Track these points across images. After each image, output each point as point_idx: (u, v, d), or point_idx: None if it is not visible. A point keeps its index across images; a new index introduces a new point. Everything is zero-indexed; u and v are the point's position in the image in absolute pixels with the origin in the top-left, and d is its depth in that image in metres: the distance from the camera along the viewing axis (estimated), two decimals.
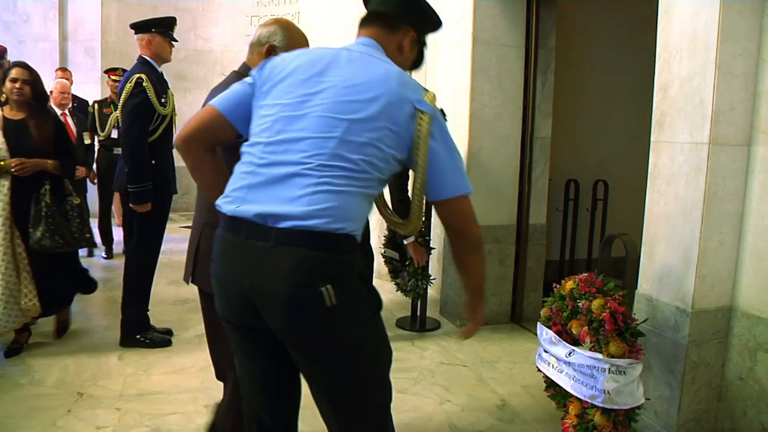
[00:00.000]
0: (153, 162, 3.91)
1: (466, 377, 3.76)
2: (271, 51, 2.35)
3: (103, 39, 8.91)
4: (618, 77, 5.88)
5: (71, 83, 6.47)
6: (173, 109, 4.10)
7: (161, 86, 4.03)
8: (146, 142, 3.90)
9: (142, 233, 4.03)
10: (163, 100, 3.97)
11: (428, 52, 6.17)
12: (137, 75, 3.87)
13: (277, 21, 2.45)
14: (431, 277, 4.53)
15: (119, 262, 6.35)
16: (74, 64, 8.57)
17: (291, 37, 2.39)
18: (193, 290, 5.10)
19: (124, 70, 6.60)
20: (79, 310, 4.67)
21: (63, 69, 6.65)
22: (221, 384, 3.48)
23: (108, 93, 6.65)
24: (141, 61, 4.02)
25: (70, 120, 5.63)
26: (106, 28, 8.97)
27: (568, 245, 6.21)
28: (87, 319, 4.52)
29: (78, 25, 8.91)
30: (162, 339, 4.12)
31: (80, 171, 5.47)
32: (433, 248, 4.54)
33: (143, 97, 3.84)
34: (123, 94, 3.86)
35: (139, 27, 4.05)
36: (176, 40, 4.15)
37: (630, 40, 5.59)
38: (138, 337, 4.05)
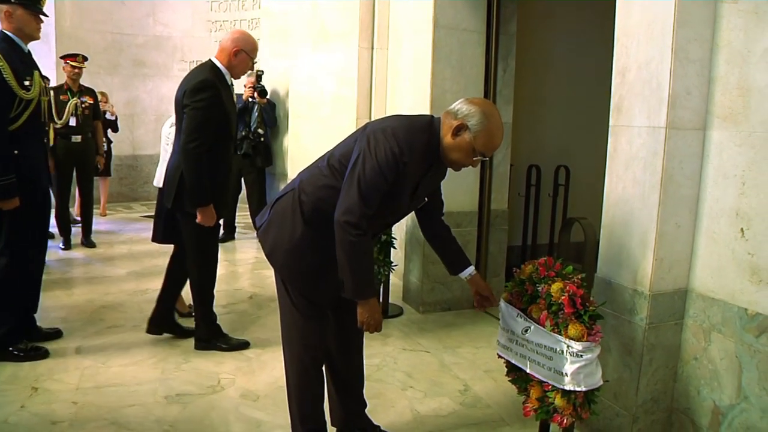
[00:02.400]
0: (16, 153, 3.46)
1: (428, 363, 3.77)
2: (461, 129, 2.31)
3: (57, 24, 8.62)
4: (579, 63, 5.93)
5: None
6: (41, 94, 3.62)
7: (25, 67, 3.53)
8: (5, 130, 3.42)
9: (10, 233, 3.56)
10: (26, 83, 3.49)
11: (390, 37, 6.08)
12: None
13: (484, 105, 2.35)
14: (393, 264, 4.52)
15: (78, 254, 6.24)
16: None
17: (487, 127, 2.30)
18: (154, 283, 5.00)
19: (84, 57, 6.45)
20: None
21: None
22: (179, 374, 3.47)
23: (64, 79, 6.50)
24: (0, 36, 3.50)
25: None
26: (60, 13, 8.66)
27: (530, 230, 6.26)
28: (44, 311, 4.41)
29: None
30: (35, 350, 3.66)
31: None
32: (395, 238, 4.53)
33: None
34: None
35: None
36: (45, 15, 3.66)
37: (591, 26, 5.63)
38: (10, 349, 3.58)
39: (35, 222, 3.68)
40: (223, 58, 3.68)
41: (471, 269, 2.70)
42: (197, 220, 3.63)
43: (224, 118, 3.64)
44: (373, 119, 6.06)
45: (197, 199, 3.59)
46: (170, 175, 3.74)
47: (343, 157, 2.37)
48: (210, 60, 3.72)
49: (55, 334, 3.95)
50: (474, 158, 2.36)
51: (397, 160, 2.25)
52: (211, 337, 3.89)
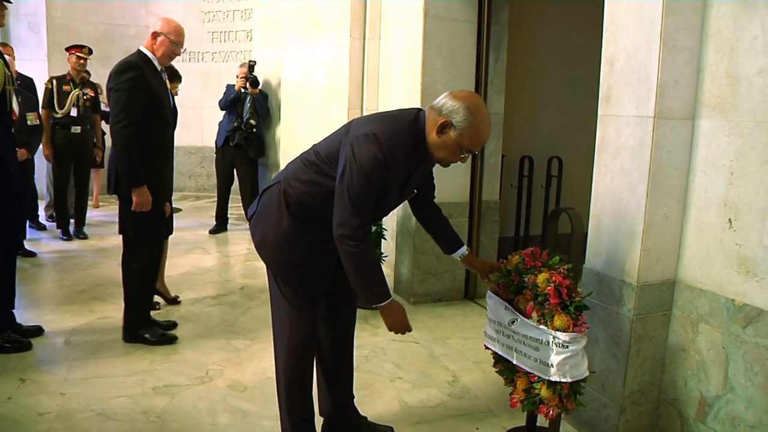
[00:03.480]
0: None
1: (417, 354, 3.76)
2: (445, 126, 2.26)
3: (48, 14, 8.58)
4: (571, 53, 5.89)
5: (13, 59, 6.26)
6: (5, 83, 3.51)
7: None
8: None
9: None
10: None
11: (381, 27, 6.04)
12: None
13: (468, 99, 2.28)
14: (384, 255, 4.51)
15: (70, 245, 6.21)
16: (18, 40, 8.26)
17: (473, 123, 2.23)
18: None
19: (90, 50, 6.43)
20: (25, 294, 4.54)
21: (3, 44, 6.38)
22: (168, 365, 3.45)
23: (67, 70, 6.44)
24: None
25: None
26: (51, 3, 8.62)
27: (522, 221, 6.24)
28: (34, 303, 4.39)
29: None
30: (18, 342, 3.62)
31: (20, 153, 5.13)
32: (386, 229, 4.52)
33: None
34: None
35: None
36: (9, 1, 3.61)
37: (583, 16, 5.58)
38: None
39: (6, 211, 3.57)
40: (148, 44, 3.68)
41: (464, 249, 2.71)
42: (133, 205, 3.57)
43: (153, 100, 3.61)
44: (363, 114, 6.08)
45: (129, 180, 3.55)
46: (111, 162, 3.70)
47: (328, 156, 2.35)
48: (138, 48, 3.71)
49: (36, 331, 3.83)
50: (461, 155, 2.32)
51: (382, 166, 2.22)
52: (136, 327, 3.79)
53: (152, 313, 4.10)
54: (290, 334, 2.52)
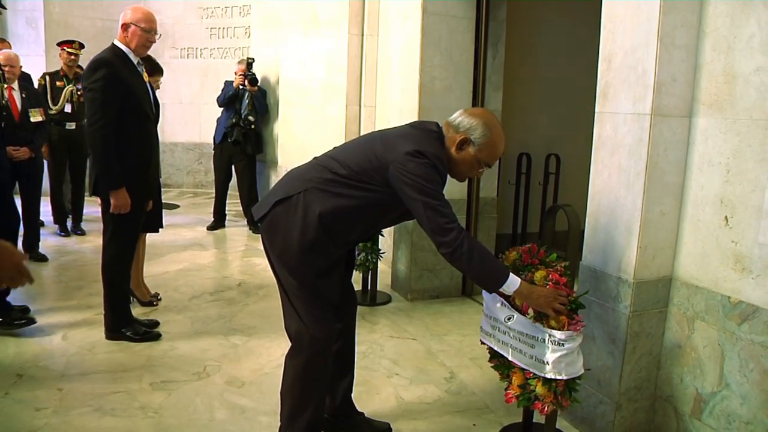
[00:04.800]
0: None
1: (415, 351, 3.77)
2: (464, 143, 2.36)
3: (46, 9, 8.56)
4: (569, 50, 5.88)
5: None
6: None
7: None
8: None
9: None
10: None
11: (380, 24, 6.02)
12: None
13: (485, 116, 2.39)
14: (381, 251, 4.51)
15: (68, 241, 6.21)
16: (15, 36, 8.24)
17: (490, 139, 2.36)
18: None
19: (81, 44, 6.39)
20: (22, 290, 4.54)
21: (1, 40, 6.36)
22: (165, 361, 3.46)
23: (59, 65, 6.43)
24: None
25: (16, 95, 5.22)
26: None
27: (520, 219, 6.24)
28: (32, 298, 4.39)
29: None
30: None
31: (22, 151, 5.04)
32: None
33: None
34: None
35: None
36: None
37: (581, 14, 5.59)
38: None
39: None
40: (120, 37, 3.58)
41: None
42: (111, 207, 3.52)
43: (129, 95, 3.51)
44: (360, 110, 6.07)
45: (107, 183, 3.49)
46: (92, 162, 3.63)
47: (363, 170, 2.34)
48: (113, 42, 3.62)
49: (23, 310, 3.95)
50: (479, 169, 2.43)
51: (438, 171, 2.29)
52: (118, 325, 3.75)
53: (149, 309, 4.10)
54: (309, 335, 2.44)
